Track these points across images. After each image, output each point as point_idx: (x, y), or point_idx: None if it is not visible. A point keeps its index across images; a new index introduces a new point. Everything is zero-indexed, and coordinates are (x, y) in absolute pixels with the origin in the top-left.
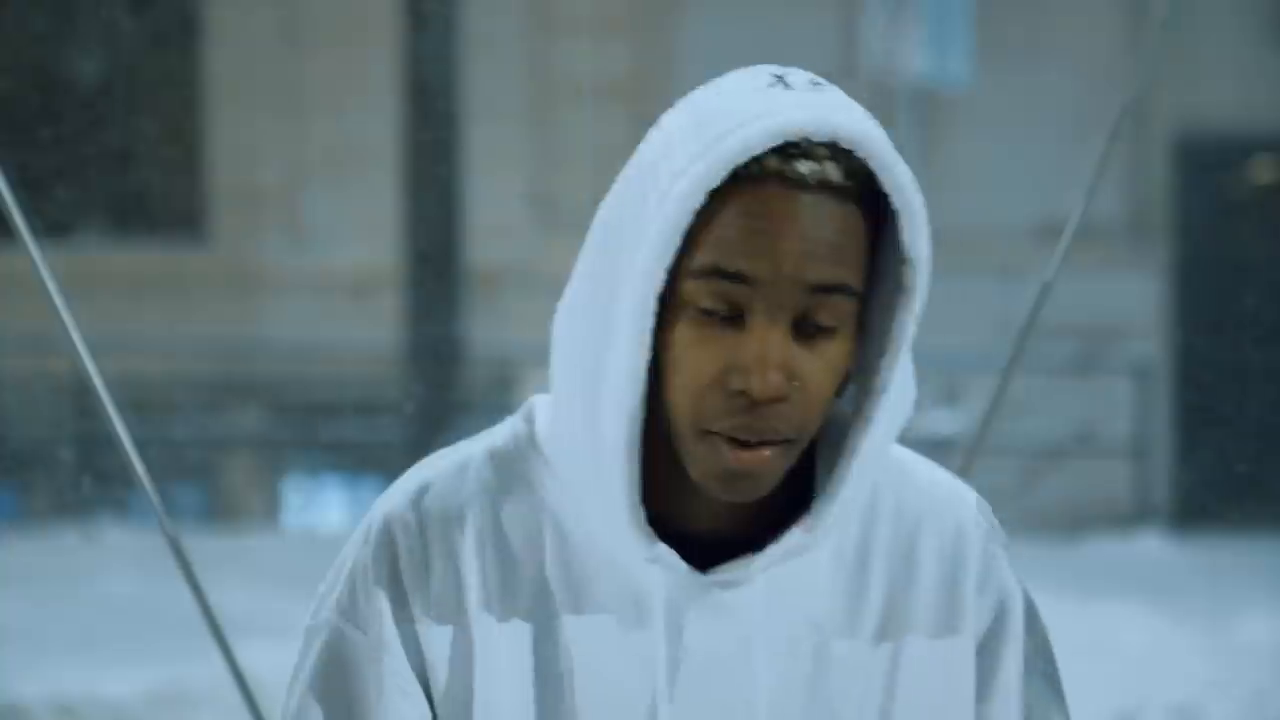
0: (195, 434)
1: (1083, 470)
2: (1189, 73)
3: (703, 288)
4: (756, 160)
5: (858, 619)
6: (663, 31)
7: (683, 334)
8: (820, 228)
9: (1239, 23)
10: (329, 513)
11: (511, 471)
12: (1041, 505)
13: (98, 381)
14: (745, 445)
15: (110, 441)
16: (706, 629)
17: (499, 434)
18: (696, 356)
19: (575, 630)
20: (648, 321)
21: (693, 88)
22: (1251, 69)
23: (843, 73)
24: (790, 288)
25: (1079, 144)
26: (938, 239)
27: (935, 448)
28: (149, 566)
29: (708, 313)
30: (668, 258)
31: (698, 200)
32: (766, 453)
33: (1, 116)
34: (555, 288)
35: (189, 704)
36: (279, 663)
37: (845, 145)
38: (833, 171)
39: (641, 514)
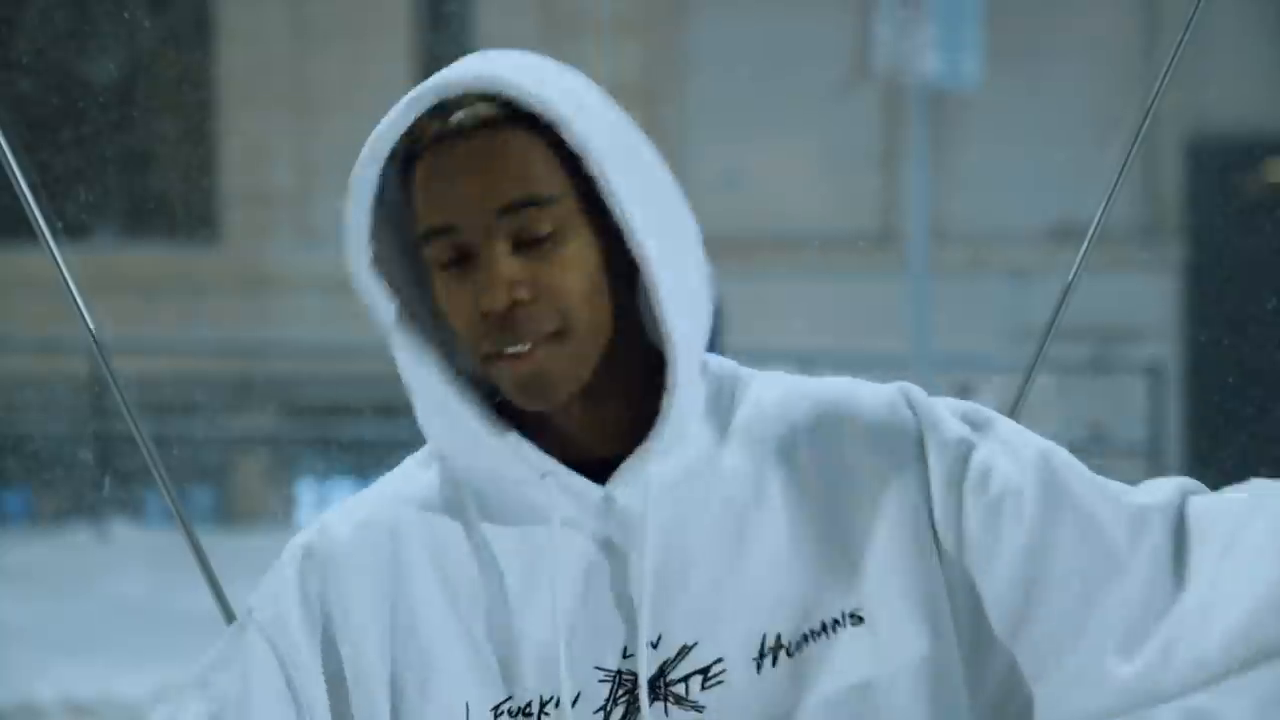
0: (209, 434)
1: (1095, 471)
2: (1202, 74)
3: (429, 250)
4: (422, 134)
5: (763, 502)
6: (675, 33)
7: (440, 289)
8: (491, 159)
9: (1252, 24)
10: None
11: (431, 466)
12: None
13: (114, 383)
14: (516, 356)
15: (123, 441)
16: (610, 538)
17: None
18: (453, 302)
19: (495, 540)
20: (382, 304)
21: (705, 88)
22: (1264, 71)
23: (854, 73)
24: (484, 218)
25: (1091, 145)
26: (950, 241)
27: None
28: (161, 566)
29: (446, 265)
30: (364, 241)
31: (371, 183)
32: (537, 353)
33: (18, 118)
34: None
35: None
36: None
37: (474, 90)
38: (484, 109)
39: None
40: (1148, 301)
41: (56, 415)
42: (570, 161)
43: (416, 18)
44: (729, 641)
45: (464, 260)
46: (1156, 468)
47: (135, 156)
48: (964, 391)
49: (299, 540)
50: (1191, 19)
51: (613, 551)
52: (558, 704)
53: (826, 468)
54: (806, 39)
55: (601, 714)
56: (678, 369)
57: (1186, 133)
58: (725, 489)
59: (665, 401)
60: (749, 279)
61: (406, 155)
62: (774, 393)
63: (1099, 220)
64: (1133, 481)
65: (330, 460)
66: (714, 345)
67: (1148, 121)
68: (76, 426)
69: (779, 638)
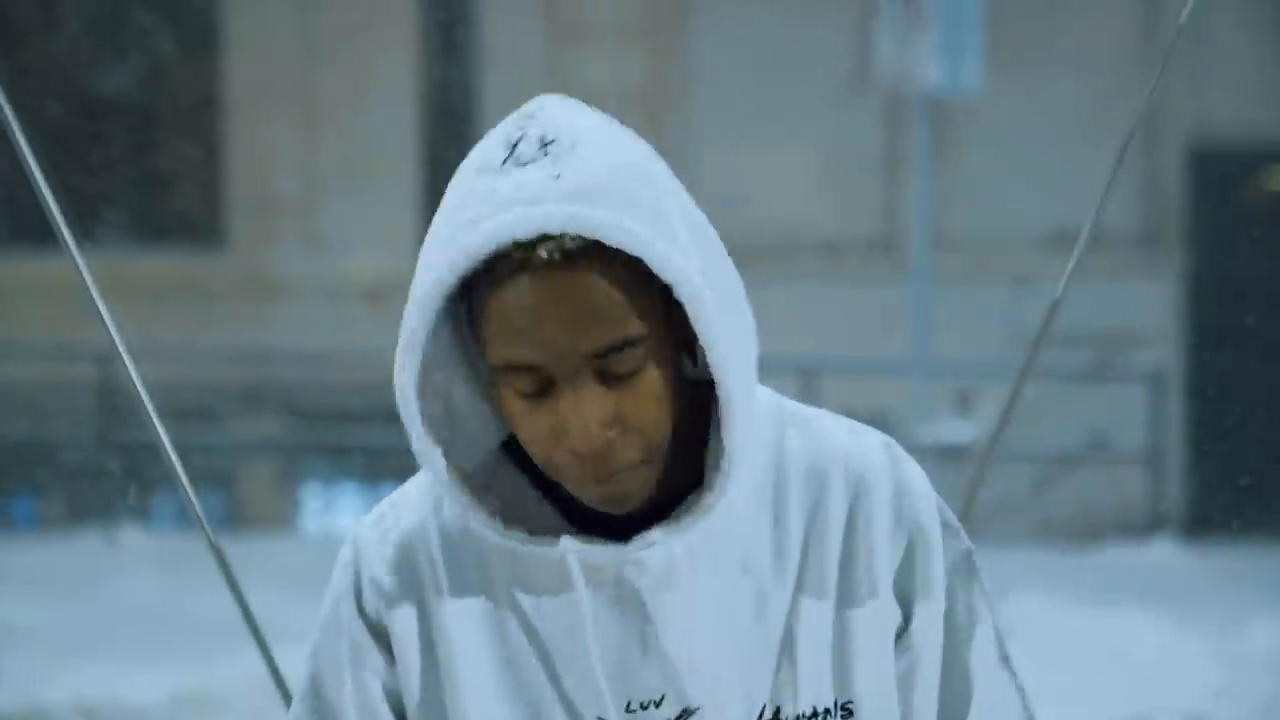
0: (215, 440)
1: (1096, 477)
2: (1202, 83)
3: (505, 378)
4: (499, 261)
5: (782, 570)
6: (679, 40)
7: (510, 405)
8: (580, 298)
9: (1252, 34)
10: (346, 518)
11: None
12: (1055, 512)
13: (140, 387)
14: (600, 480)
15: (130, 447)
16: (628, 589)
17: None
18: (527, 426)
19: (521, 603)
20: (412, 409)
21: (709, 96)
22: (1264, 80)
23: (856, 82)
24: (572, 359)
25: (1092, 152)
26: (951, 248)
27: (949, 455)
28: (170, 571)
29: (524, 395)
30: (418, 349)
31: (435, 304)
32: (624, 478)
33: (27, 124)
34: None
35: (211, 707)
36: (298, 664)
37: (554, 233)
38: (570, 242)
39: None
40: (1148, 309)
41: (65, 421)
42: (652, 284)
43: (422, 29)
44: (730, 710)
45: (544, 391)
46: (1157, 473)
47: (144, 165)
48: (963, 399)
49: (345, 557)
50: (1176, 35)
51: (631, 603)
52: None
53: (849, 551)
54: (809, 48)
55: None
56: (728, 479)
57: (1187, 141)
58: (750, 551)
59: (708, 496)
60: (751, 285)
61: (471, 271)
62: (814, 446)
63: (1089, 228)
64: (1135, 486)
65: (336, 466)
66: None
67: (1137, 124)
68: (84, 432)
69: (778, 711)
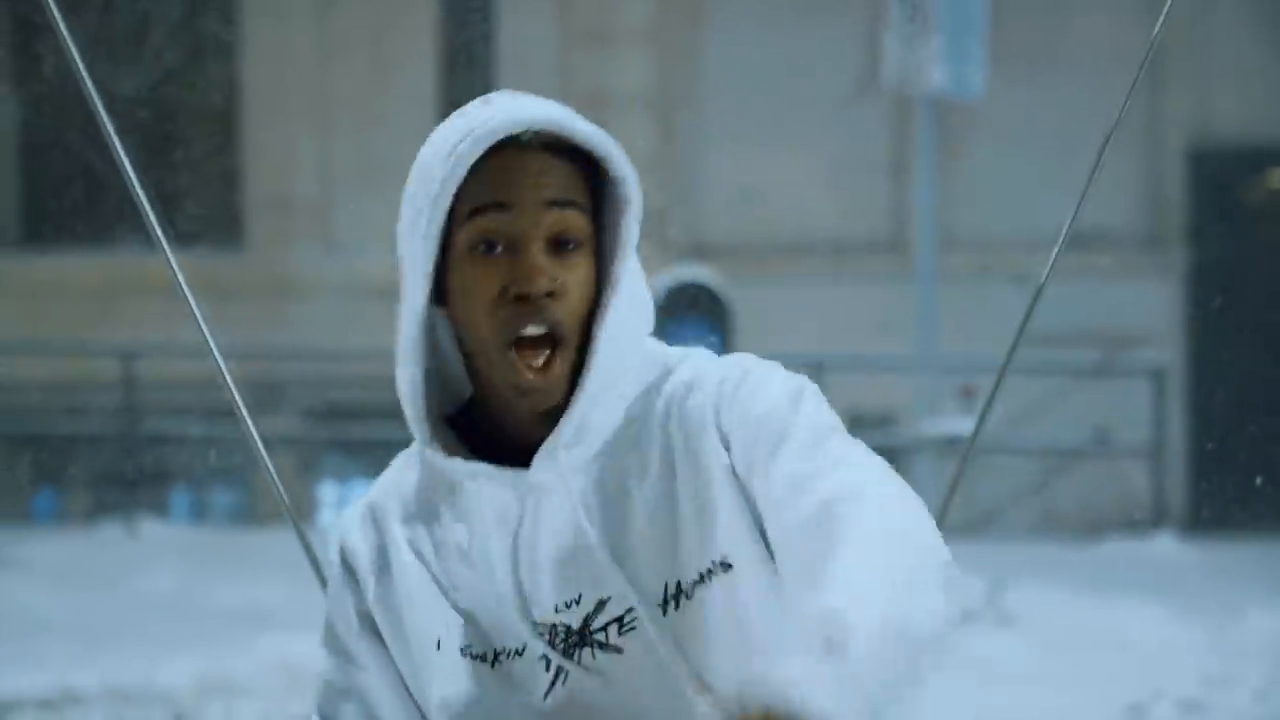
0: (232, 435)
1: (1099, 472)
2: (1203, 84)
3: (471, 229)
4: (494, 147)
5: (644, 476)
6: (690, 43)
7: (466, 271)
8: (545, 166)
9: (1254, 36)
10: None
11: (414, 459)
12: (1059, 506)
13: (228, 384)
14: (533, 350)
15: (149, 442)
16: (536, 502)
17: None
18: (480, 283)
19: (457, 533)
20: (429, 265)
21: (719, 98)
22: (1265, 81)
23: (864, 85)
24: (536, 206)
25: (1096, 152)
26: (956, 248)
27: (952, 449)
28: (188, 562)
29: (481, 248)
30: (439, 220)
31: (455, 184)
32: (550, 363)
33: (42, 127)
34: None
35: (233, 691)
36: (312, 652)
37: (539, 129)
38: (546, 136)
39: (434, 439)
40: (1151, 307)
41: (87, 417)
42: (593, 193)
43: (439, 31)
44: (637, 593)
45: (500, 248)
46: (1160, 468)
47: (162, 166)
48: (968, 395)
49: (334, 533)
50: (1150, 46)
51: (538, 524)
52: (509, 655)
53: (686, 437)
54: (818, 51)
55: (544, 662)
56: (591, 382)
57: (1189, 142)
58: (624, 464)
59: (573, 406)
60: (761, 284)
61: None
62: (675, 375)
63: (1069, 224)
64: (1137, 481)
65: (352, 461)
66: (722, 346)
67: (1112, 134)
68: (106, 428)
69: (679, 584)
